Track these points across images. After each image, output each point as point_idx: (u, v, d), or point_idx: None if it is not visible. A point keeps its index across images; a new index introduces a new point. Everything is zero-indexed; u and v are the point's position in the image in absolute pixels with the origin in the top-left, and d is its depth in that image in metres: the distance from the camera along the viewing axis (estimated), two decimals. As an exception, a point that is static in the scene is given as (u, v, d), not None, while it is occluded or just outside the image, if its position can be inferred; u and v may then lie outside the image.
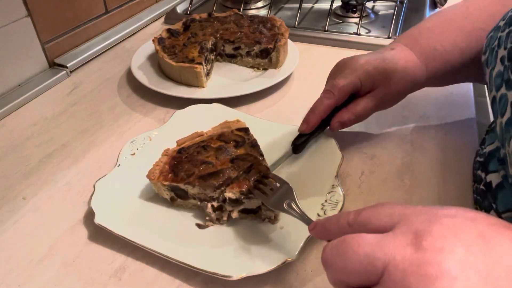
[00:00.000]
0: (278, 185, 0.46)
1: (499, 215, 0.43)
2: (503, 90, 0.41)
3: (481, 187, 0.48)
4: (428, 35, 0.56)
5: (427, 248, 0.24)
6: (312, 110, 0.54)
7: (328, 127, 0.56)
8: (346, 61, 0.56)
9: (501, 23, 0.45)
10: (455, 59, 0.54)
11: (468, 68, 0.55)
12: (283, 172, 0.53)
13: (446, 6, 0.96)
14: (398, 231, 0.27)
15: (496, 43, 0.44)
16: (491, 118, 0.66)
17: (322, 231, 0.35)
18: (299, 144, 0.55)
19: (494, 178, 0.46)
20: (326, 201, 0.48)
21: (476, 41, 0.54)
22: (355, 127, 0.62)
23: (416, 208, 0.29)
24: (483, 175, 0.48)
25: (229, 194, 0.46)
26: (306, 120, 0.54)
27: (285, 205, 0.43)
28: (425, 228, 0.26)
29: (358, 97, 0.55)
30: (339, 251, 0.28)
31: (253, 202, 0.46)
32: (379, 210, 0.30)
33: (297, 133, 0.56)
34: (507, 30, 0.43)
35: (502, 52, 0.42)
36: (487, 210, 0.45)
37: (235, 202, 0.47)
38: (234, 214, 0.47)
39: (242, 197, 0.46)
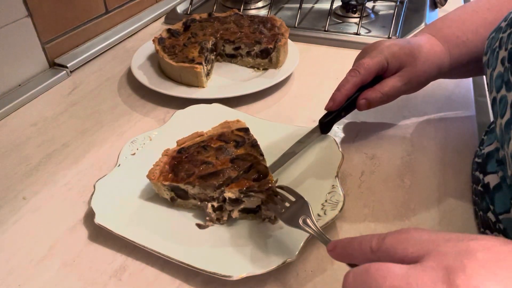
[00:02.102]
0: (293, 199, 0.44)
1: (496, 216, 0.43)
2: (503, 91, 0.41)
3: (479, 188, 0.48)
4: (451, 25, 0.57)
5: (460, 287, 0.23)
6: (338, 88, 0.54)
7: (356, 109, 0.56)
8: (371, 44, 0.56)
9: (503, 24, 0.45)
10: (478, 48, 0.54)
11: None
12: (283, 172, 0.53)
13: (446, 6, 0.96)
14: (427, 264, 0.25)
15: (497, 44, 0.44)
16: (491, 118, 0.66)
17: (342, 254, 0.33)
18: (325, 123, 0.55)
19: (492, 179, 0.45)
20: (326, 201, 0.48)
21: None
22: (355, 127, 0.63)
23: (444, 235, 0.27)
24: (481, 176, 0.48)
25: (228, 194, 0.46)
26: (332, 98, 0.54)
27: (300, 221, 0.41)
28: (457, 264, 0.24)
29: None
30: (362, 281, 0.26)
31: (253, 201, 0.46)
32: (405, 237, 0.28)
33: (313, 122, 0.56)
34: (508, 31, 0.43)
35: (503, 53, 0.42)
36: (484, 212, 0.45)
37: (235, 201, 0.47)
38: (234, 214, 0.47)
39: (242, 196, 0.46)
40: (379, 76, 0.54)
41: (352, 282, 0.27)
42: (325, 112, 0.56)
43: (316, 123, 0.57)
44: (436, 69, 0.55)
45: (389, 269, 0.26)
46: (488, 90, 0.46)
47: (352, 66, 0.55)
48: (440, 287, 0.23)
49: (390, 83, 0.53)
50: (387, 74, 0.54)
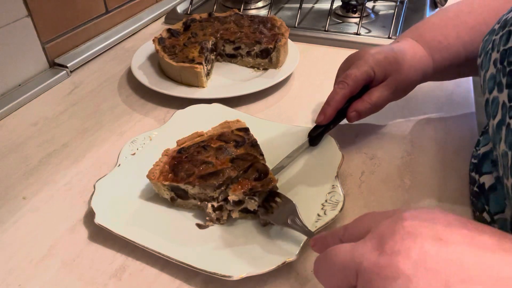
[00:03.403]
0: (281, 201, 0.46)
1: (491, 216, 0.43)
2: (495, 92, 0.41)
3: (475, 188, 0.48)
4: (433, 28, 0.57)
5: (387, 251, 0.26)
6: (327, 102, 0.54)
7: (345, 119, 0.56)
8: (356, 54, 0.56)
9: (496, 26, 0.46)
10: (459, 52, 0.55)
11: (472, 61, 0.56)
12: (283, 172, 0.53)
13: (446, 6, 0.96)
14: (368, 237, 0.29)
15: (490, 46, 0.45)
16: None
17: (322, 248, 0.36)
18: (315, 136, 0.55)
19: (487, 180, 0.46)
20: (326, 201, 0.48)
21: (479, 35, 0.54)
22: (355, 127, 0.62)
23: (388, 212, 0.30)
24: (476, 176, 0.48)
25: (232, 197, 0.46)
26: (322, 111, 0.54)
27: (289, 221, 0.43)
28: (388, 233, 0.27)
29: (371, 88, 0.55)
30: (323, 263, 0.31)
31: (254, 204, 0.47)
32: (360, 220, 0.32)
33: (304, 134, 0.56)
34: (500, 33, 0.43)
35: (495, 55, 0.43)
36: (480, 212, 0.45)
37: (237, 203, 0.47)
38: (234, 214, 0.47)
39: (246, 198, 0.46)
40: (366, 86, 0.54)
41: (317, 266, 0.32)
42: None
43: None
44: (421, 75, 0.55)
45: (340, 248, 0.30)
46: (482, 92, 0.47)
47: (338, 77, 0.55)
48: (373, 253, 0.27)
49: (377, 93, 0.54)
50: (374, 83, 0.54)
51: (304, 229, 0.42)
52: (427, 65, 0.55)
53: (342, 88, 0.53)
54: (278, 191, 0.47)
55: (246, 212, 0.48)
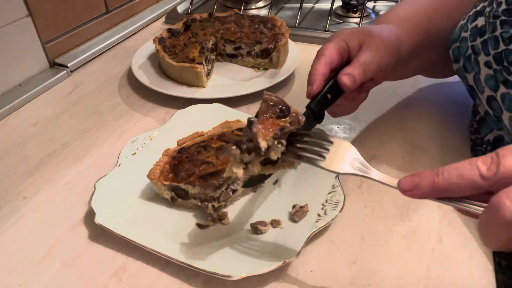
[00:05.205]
0: (329, 142, 0.36)
1: None
2: (502, 89, 0.42)
3: None
4: (393, 10, 0.60)
5: None
6: (309, 75, 0.50)
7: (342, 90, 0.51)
8: None
9: (466, 34, 0.47)
10: (423, 25, 0.56)
11: (437, 39, 0.57)
12: (283, 172, 0.53)
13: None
14: None
15: (470, 51, 0.46)
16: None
17: (431, 192, 0.28)
18: (315, 105, 0.48)
19: None
20: (326, 201, 0.48)
21: (444, 13, 0.56)
22: (355, 127, 0.62)
23: None
24: None
25: (263, 143, 0.37)
26: (308, 83, 0.49)
27: (352, 166, 0.34)
28: None
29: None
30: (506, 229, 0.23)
31: (279, 150, 0.38)
32: None
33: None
34: (479, 40, 0.44)
35: (485, 58, 0.44)
36: None
37: (263, 151, 0.38)
38: (256, 168, 0.39)
39: (276, 143, 0.38)
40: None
41: (497, 232, 0.24)
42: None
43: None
44: (394, 36, 0.53)
45: None
46: (477, 91, 0.48)
47: None
48: None
49: (362, 54, 0.50)
50: (352, 54, 0.51)
51: (382, 179, 0.33)
52: (395, 31, 0.54)
53: (318, 59, 0.50)
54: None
55: (264, 164, 0.39)
